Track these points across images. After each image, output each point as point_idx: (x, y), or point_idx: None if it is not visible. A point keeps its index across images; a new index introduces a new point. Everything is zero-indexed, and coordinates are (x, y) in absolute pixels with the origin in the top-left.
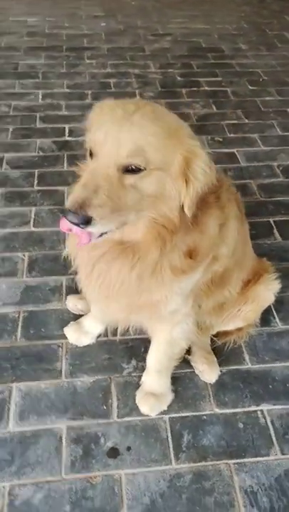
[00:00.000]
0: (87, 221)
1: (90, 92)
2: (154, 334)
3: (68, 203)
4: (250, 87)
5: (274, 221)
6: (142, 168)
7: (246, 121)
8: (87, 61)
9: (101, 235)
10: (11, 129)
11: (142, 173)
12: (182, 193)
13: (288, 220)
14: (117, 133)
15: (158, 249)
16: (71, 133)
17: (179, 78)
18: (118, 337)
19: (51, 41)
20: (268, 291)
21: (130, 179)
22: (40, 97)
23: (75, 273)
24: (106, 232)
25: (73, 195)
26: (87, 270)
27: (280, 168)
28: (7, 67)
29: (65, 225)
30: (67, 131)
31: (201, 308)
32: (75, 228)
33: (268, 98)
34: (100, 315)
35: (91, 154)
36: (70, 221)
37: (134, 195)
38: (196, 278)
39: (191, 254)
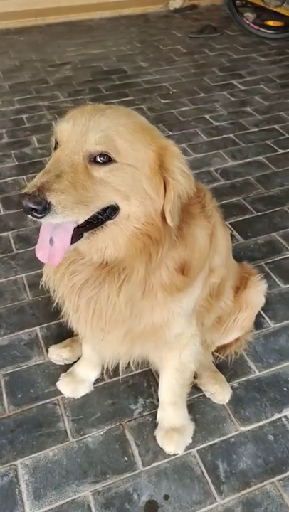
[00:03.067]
0: (45, 207)
1: (4, 130)
2: (162, 364)
3: (26, 187)
4: (163, 101)
5: (230, 223)
6: (111, 158)
7: (170, 133)
8: None
9: (76, 240)
10: None
11: (111, 166)
12: (160, 195)
13: (242, 219)
14: (87, 121)
15: (143, 265)
16: None
17: (90, 103)
18: (119, 377)
19: None
20: (258, 294)
21: (98, 171)
22: None
23: (60, 305)
24: (81, 235)
25: (32, 181)
26: (72, 301)
27: (218, 172)
28: None
29: (40, 250)
30: None
31: (203, 325)
32: (46, 247)
33: (183, 108)
34: (95, 354)
35: (55, 147)
36: (25, 206)
37: (104, 189)
38: (196, 295)
39: (182, 269)
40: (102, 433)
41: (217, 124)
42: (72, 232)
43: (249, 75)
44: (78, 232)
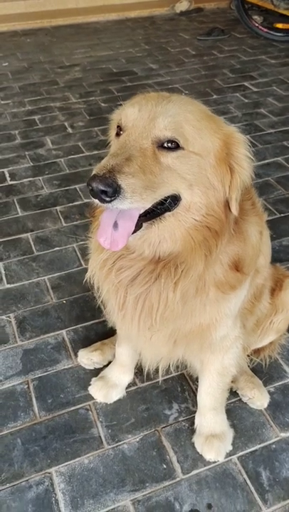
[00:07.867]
0: (115, 190)
1: (16, 131)
2: (203, 367)
3: (95, 169)
4: None
5: None
6: (178, 145)
7: None
8: (3, 102)
9: (135, 230)
10: None
11: (178, 152)
12: (226, 183)
13: (265, 220)
14: (154, 107)
15: (203, 259)
16: (13, 176)
17: (103, 104)
18: (152, 381)
19: None
20: None
21: (166, 157)
22: None
23: (104, 303)
24: (140, 226)
25: (100, 163)
26: (118, 298)
27: None
28: None
29: (103, 235)
30: (7, 175)
31: (245, 328)
32: (109, 232)
33: None
34: (130, 357)
35: (118, 134)
36: (95, 189)
37: (171, 176)
38: (243, 295)
39: (236, 266)
40: (137, 439)
41: (232, 125)
42: (136, 219)
43: (261, 77)
44: (138, 222)
